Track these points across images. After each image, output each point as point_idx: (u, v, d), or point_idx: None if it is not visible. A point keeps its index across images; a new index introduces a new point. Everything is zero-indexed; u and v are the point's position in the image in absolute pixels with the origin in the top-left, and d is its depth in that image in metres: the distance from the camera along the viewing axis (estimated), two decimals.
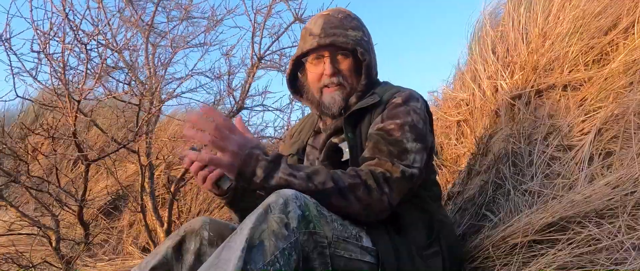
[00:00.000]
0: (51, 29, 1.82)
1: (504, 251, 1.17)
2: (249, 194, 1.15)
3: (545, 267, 1.02)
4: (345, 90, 1.23)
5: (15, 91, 1.84)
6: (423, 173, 1.12)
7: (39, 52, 1.82)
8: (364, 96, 1.23)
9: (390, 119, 1.12)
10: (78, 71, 2.02)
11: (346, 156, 1.18)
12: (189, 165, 1.03)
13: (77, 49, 1.95)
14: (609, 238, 1.00)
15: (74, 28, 1.85)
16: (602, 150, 1.34)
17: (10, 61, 1.79)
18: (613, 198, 1.09)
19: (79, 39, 1.87)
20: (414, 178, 1.07)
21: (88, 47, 1.89)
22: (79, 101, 1.87)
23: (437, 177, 1.62)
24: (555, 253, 1.04)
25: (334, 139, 1.24)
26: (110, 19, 2.06)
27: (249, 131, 1.01)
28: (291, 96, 2.31)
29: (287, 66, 1.34)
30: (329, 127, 1.26)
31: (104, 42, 2.03)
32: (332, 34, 1.21)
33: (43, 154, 2.08)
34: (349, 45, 1.20)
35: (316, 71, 1.25)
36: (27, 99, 1.95)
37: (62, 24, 1.85)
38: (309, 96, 1.29)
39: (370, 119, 1.17)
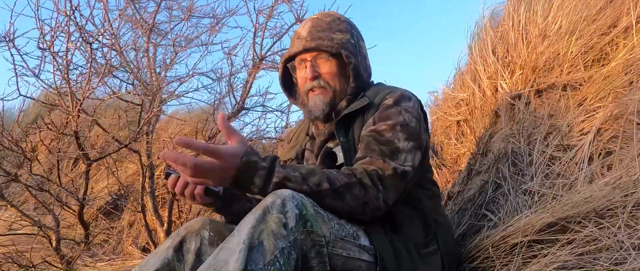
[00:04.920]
0: (58, 27, 1.82)
1: (504, 251, 1.17)
2: (237, 200, 1.18)
3: (545, 267, 1.02)
4: (328, 93, 1.22)
5: (18, 90, 1.84)
6: (417, 171, 1.13)
7: (44, 50, 1.82)
8: (353, 99, 1.23)
9: (382, 121, 1.12)
10: (82, 71, 2.02)
11: (340, 160, 1.18)
12: (172, 189, 1.05)
13: (81, 48, 1.95)
14: (609, 238, 1.01)
15: (80, 27, 1.85)
16: (601, 150, 1.34)
17: (13, 60, 1.80)
18: (613, 198, 1.09)
19: (84, 39, 1.87)
20: (407, 176, 1.07)
21: (93, 47, 1.89)
22: (81, 100, 1.87)
23: (434, 176, 1.62)
24: (555, 253, 1.04)
25: (330, 144, 1.24)
26: (114, 20, 2.06)
27: (232, 129, 0.96)
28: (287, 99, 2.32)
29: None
30: (322, 132, 1.26)
31: (107, 41, 2.03)
32: (318, 38, 1.21)
33: (49, 150, 2.07)
34: (333, 48, 1.20)
35: (301, 75, 1.25)
36: (29, 97, 1.96)
37: (68, 23, 1.85)
38: (300, 99, 1.29)
39: (362, 122, 1.17)
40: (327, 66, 1.22)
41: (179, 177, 1.06)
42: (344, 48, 1.21)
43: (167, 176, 1.08)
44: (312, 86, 1.23)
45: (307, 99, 1.25)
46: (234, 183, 0.93)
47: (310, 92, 1.24)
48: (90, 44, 1.87)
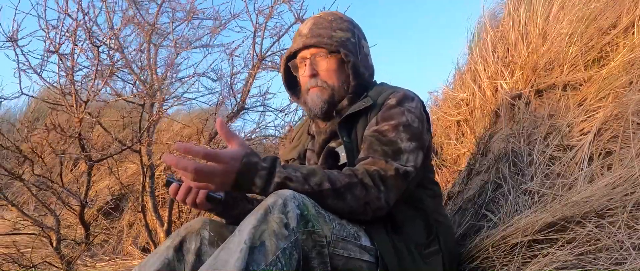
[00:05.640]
0: (67, 31, 1.83)
1: (504, 251, 1.17)
2: (237, 204, 1.18)
3: (545, 267, 1.02)
4: (325, 91, 1.23)
5: (21, 89, 1.85)
6: (419, 172, 1.12)
7: (53, 53, 1.83)
8: (355, 98, 1.23)
9: (385, 121, 1.12)
10: (87, 72, 2.03)
11: (343, 160, 1.18)
12: (173, 196, 1.06)
13: (87, 50, 1.96)
14: (609, 238, 1.01)
15: (88, 30, 1.86)
16: (601, 150, 1.34)
17: (17, 58, 1.80)
18: (613, 198, 1.09)
19: (92, 42, 1.87)
20: (409, 176, 1.07)
21: (100, 50, 1.89)
22: (86, 102, 1.88)
23: (435, 176, 1.62)
24: (555, 253, 1.04)
25: (332, 144, 1.24)
26: (123, 26, 2.07)
27: (231, 132, 0.97)
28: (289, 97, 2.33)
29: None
30: (323, 130, 1.26)
31: (112, 44, 2.04)
32: (318, 35, 1.22)
33: (53, 151, 2.08)
34: (332, 46, 1.21)
35: (302, 74, 1.26)
36: (31, 96, 1.97)
37: (76, 26, 1.86)
38: (303, 98, 1.30)
39: (365, 122, 1.17)
40: (325, 64, 1.23)
41: (180, 185, 1.07)
42: (343, 46, 1.21)
43: (168, 184, 1.08)
44: (311, 84, 1.23)
45: (307, 97, 1.25)
46: (235, 185, 0.93)
47: (309, 90, 1.24)
48: (98, 47, 1.87)
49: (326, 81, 1.23)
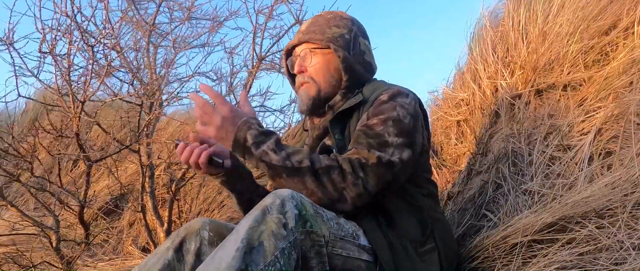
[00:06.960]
0: (58, 30, 1.82)
1: (504, 251, 1.17)
2: (242, 178, 1.21)
3: (545, 267, 1.02)
4: (312, 87, 1.24)
5: (18, 91, 1.84)
6: (407, 167, 1.09)
7: (46, 54, 1.82)
8: (347, 93, 1.24)
9: (375, 116, 1.11)
10: (83, 72, 2.02)
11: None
12: (180, 156, 1.12)
13: (82, 49, 1.95)
14: (609, 238, 1.01)
15: (82, 30, 1.85)
16: (602, 150, 1.34)
17: (13, 61, 1.80)
18: (613, 198, 1.08)
19: (86, 41, 1.87)
20: (394, 167, 1.05)
21: (94, 49, 1.89)
22: (83, 102, 1.87)
23: (434, 176, 1.62)
24: (555, 253, 1.04)
25: (327, 142, 1.24)
26: (116, 23, 2.06)
27: (249, 105, 1.13)
28: (290, 98, 2.34)
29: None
30: (317, 126, 1.27)
31: (108, 43, 2.03)
32: (312, 31, 1.25)
33: (49, 153, 2.08)
34: (323, 41, 1.22)
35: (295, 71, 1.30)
36: (28, 98, 1.96)
37: (70, 26, 1.85)
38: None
39: (358, 118, 1.17)
40: (314, 59, 1.24)
41: (186, 145, 1.13)
42: (333, 41, 1.22)
43: (176, 146, 1.16)
44: (299, 81, 1.26)
45: (299, 93, 1.28)
46: (233, 140, 1.01)
47: (300, 87, 1.27)
48: (92, 46, 1.87)
49: (312, 77, 1.24)
